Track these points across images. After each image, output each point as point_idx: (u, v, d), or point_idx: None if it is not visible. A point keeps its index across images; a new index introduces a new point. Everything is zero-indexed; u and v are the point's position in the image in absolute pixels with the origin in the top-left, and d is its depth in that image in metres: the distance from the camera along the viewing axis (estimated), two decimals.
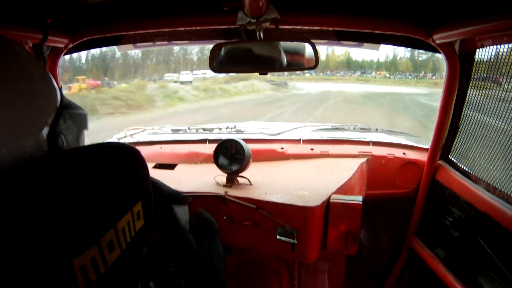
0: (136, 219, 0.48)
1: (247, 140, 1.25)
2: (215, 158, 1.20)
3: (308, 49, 0.99)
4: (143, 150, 1.50)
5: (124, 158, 0.49)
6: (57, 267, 0.38)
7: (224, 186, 1.17)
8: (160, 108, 14.09)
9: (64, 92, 0.52)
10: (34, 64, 0.46)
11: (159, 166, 1.40)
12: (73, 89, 15.19)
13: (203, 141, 1.51)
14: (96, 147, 0.47)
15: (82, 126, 0.53)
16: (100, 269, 0.41)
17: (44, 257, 0.37)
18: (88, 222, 0.41)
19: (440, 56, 1.11)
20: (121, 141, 1.57)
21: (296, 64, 1.04)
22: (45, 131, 0.44)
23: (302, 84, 24.07)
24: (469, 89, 1.10)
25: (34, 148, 0.42)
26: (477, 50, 1.02)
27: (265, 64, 1.02)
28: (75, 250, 0.39)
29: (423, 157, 1.37)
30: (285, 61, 1.02)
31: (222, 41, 1.11)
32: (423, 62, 32.04)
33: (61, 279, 0.38)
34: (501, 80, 0.92)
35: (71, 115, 0.49)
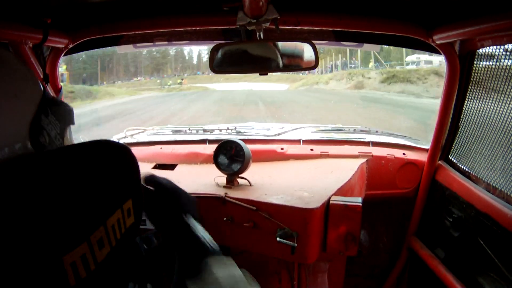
0: (126, 216, 0.48)
1: (247, 141, 1.25)
2: (215, 159, 1.20)
3: (308, 50, 0.99)
4: (143, 151, 1.53)
5: (115, 156, 0.49)
6: (47, 264, 0.38)
7: (224, 187, 1.17)
8: None
9: None
10: (15, 62, 0.46)
11: (159, 166, 1.39)
12: None
13: (203, 141, 1.51)
14: (87, 145, 0.47)
15: (67, 121, 0.52)
16: (90, 266, 0.42)
17: (34, 254, 0.37)
18: (78, 219, 0.41)
19: None
20: (121, 141, 1.57)
21: (296, 64, 1.04)
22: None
23: None
24: (469, 90, 1.10)
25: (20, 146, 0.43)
26: (477, 50, 1.02)
27: (265, 65, 1.02)
28: (65, 247, 0.39)
29: (423, 157, 1.37)
30: (285, 61, 1.02)
31: (222, 41, 1.12)
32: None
33: (51, 275, 0.38)
34: (501, 80, 0.92)
35: (54, 111, 0.49)
